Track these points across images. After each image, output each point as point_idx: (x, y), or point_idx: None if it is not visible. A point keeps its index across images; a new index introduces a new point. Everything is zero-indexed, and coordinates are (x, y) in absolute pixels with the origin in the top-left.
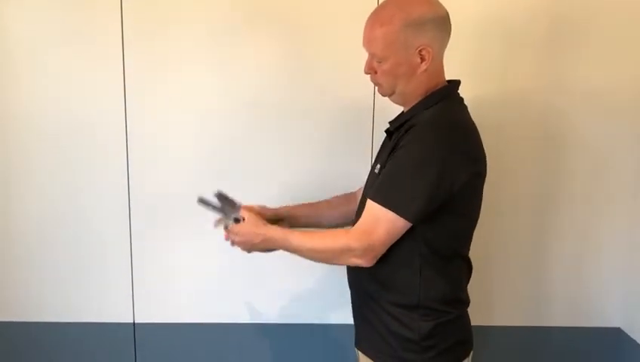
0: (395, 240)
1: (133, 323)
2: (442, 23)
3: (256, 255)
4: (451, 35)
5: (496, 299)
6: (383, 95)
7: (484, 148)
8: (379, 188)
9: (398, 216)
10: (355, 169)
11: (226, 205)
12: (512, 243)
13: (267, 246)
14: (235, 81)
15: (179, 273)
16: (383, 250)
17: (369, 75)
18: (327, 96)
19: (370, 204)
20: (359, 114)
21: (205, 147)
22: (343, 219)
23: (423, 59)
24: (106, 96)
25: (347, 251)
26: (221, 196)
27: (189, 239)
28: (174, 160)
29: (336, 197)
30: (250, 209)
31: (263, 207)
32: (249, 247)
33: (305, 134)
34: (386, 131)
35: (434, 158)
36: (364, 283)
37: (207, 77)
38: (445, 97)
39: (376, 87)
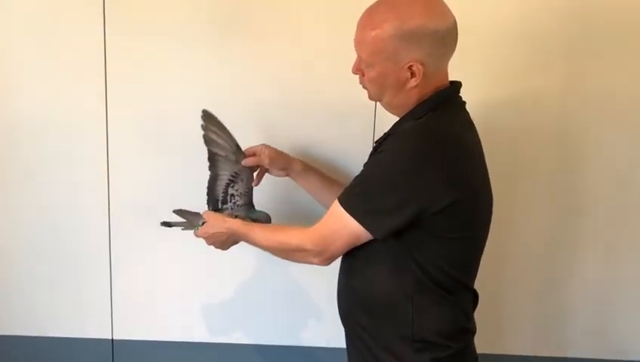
0: (353, 246)
1: (112, 339)
2: (444, 37)
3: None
4: (464, 35)
5: (506, 324)
6: (371, 100)
7: (486, 166)
8: (348, 192)
9: (362, 229)
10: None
11: (188, 217)
12: (525, 262)
13: (236, 240)
14: (222, 82)
15: (161, 287)
16: (337, 255)
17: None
18: (325, 95)
19: (336, 205)
20: (359, 116)
21: (190, 151)
22: None
23: (413, 75)
24: (87, 98)
25: (301, 250)
26: (181, 212)
27: (172, 251)
28: (157, 166)
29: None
30: (261, 152)
31: (278, 152)
32: (220, 245)
33: (302, 135)
34: (375, 142)
35: (408, 171)
36: (352, 309)
37: (194, 77)
38: (439, 106)
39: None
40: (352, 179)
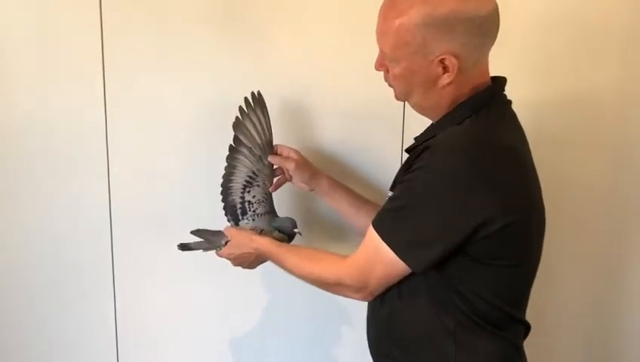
0: (396, 281)
1: None
2: (482, 24)
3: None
4: (508, 28)
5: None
6: (398, 100)
7: (539, 179)
8: (382, 217)
9: (398, 259)
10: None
11: (208, 237)
12: (575, 283)
13: (263, 260)
14: (230, 80)
15: (171, 319)
16: (380, 289)
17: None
18: (345, 95)
19: (371, 231)
20: (385, 117)
21: (197, 153)
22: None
23: (446, 71)
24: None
25: (339, 285)
26: (199, 232)
27: (184, 281)
28: (162, 170)
29: (378, 207)
30: (288, 154)
31: (306, 161)
32: (248, 266)
33: (317, 140)
34: (407, 150)
35: (453, 193)
36: (383, 340)
37: (199, 76)
38: (482, 107)
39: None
40: (387, 199)
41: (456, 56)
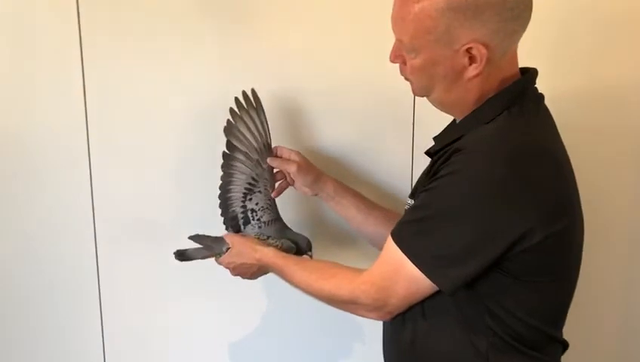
0: (419, 300)
1: None
2: (514, 8)
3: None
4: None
5: None
6: (415, 95)
7: (576, 183)
8: (404, 227)
9: (424, 277)
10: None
11: (207, 243)
12: (609, 295)
13: (266, 272)
14: (223, 77)
15: (163, 335)
16: (401, 309)
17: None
18: (351, 91)
19: (391, 244)
20: (395, 112)
21: (188, 157)
22: (378, 242)
23: (473, 61)
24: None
25: (354, 304)
26: (198, 237)
27: (177, 293)
28: (150, 177)
29: (388, 214)
30: (289, 156)
31: (309, 163)
32: (250, 276)
33: (322, 137)
34: (427, 153)
35: (487, 204)
36: None
37: (188, 76)
38: (513, 103)
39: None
40: (407, 209)
41: (484, 45)
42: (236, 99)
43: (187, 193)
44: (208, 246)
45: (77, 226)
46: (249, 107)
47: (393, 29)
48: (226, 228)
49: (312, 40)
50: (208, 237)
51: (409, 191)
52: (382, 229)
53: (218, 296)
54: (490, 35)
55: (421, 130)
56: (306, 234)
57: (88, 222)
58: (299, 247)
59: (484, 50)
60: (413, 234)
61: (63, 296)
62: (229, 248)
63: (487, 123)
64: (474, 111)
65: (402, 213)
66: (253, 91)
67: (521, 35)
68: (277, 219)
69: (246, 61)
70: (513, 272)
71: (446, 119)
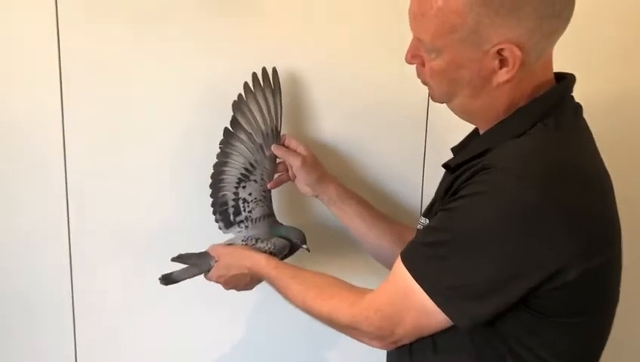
0: (430, 333)
1: None
2: (556, 3)
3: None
4: None
5: None
6: (435, 101)
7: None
8: (417, 250)
9: (438, 310)
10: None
11: (193, 261)
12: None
13: (259, 281)
14: (214, 75)
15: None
16: (407, 341)
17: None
18: (358, 88)
19: (400, 267)
20: (407, 115)
21: (176, 156)
22: (381, 256)
23: (503, 65)
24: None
25: (355, 330)
26: (181, 258)
27: (163, 312)
28: (133, 180)
29: (395, 226)
30: (296, 147)
31: (315, 160)
32: (244, 287)
33: (326, 137)
34: (445, 166)
35: (518, 232)
36: None
37: (176, 68)
38: (548, 115)
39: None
40: (421, 229)
41: (519, 46)
42: (254, 75)
43: (174, 200)
44: (194, 265)
45: (49, 234)
46: (265, 86)
47: (411, 26)
48: (214, 213)
49: (322, 30)
50: (192, 254)
51: (418, 200)
52: (386, 243)
53: (206, 313)
54: (527, 34)
55: (435, 135)
56: (299, 227)
57: (62, 232)
58: (292, 243)
59: (518, 52)
60: (427, 258)
61: (34, 313)
62: (216, 261)
63: (518, 137)
64: (502, 122)
65: (410, 225)
66: (274, 70)
67: (560, 35)
68: (269, 214)
69: (248, 51)
70: (541, 310)
71: (464, 125)
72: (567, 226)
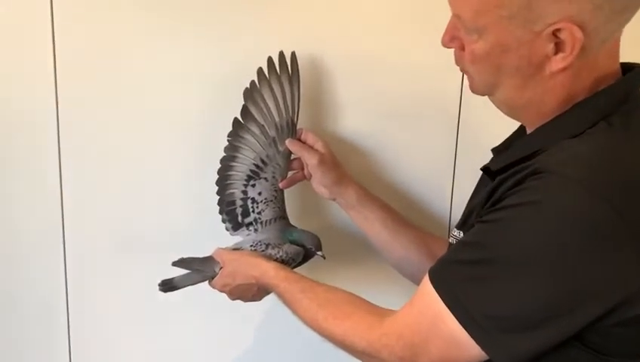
0: None
1: None
2: None
3: None
4: None
5: None
6: (474, 92)
7: None
8: (450, 269)
9: (472, 342)
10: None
11: (196, 267)
12: None
13: (268, 292)
14: (221, 66)
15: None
16: None
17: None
18: (382, 79)
19: (428, 288)
20: (438, 109)
21: (178, 156)
22: (405, 269)
23: (560, 49)
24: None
25: (371, 357)
26: (183, 262)
27: (163, 322)
28: (131, 182)
29: (422, 235)
30: (314, 143)
31: (334, 159)
32: (251, 298)
33: (346, 133)
34: (485, 170)
35: (575, 252)
36: None
37: (186, 54)
38: (613, 112)
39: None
40: (455, 244)
41: (581, 26)
42: (269, 59)
43: (176, 199)
44: (197, 271)
45: (42, 237)
46: (282, 72)
47: (450, 1)
48: (220, 213)
49: (346, 14)
50: (195, 259)
51: (447, 207)
52: (412, 254)
53: (208, 322)
54: (591, 11)
55: (468, 133)
56: (314, 232)
57: (56, 234)
58: (306, 250)
59: (579, 34)
60: (461, 280)
61: (27, 321)
62: (221, 268)
63: (575, 137)
64: (556, 118)
65: (439, 234)
66: (293, 55)
67: (630, 17)
68: (281, 217)
69: (264, 36)
70: (597, 348)
71: (502, 122)
72: (634, 241)
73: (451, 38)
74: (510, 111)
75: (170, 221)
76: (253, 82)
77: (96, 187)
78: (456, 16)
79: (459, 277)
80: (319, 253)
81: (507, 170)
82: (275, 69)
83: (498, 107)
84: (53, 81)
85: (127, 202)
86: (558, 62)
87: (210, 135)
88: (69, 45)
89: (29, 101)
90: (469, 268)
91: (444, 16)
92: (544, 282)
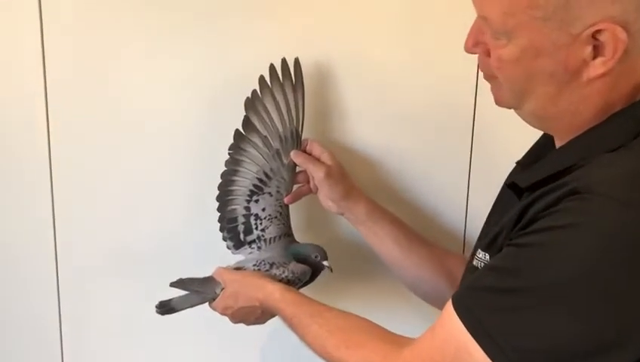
0: None
1: None
2: None
3: None
4: None
5: None
6: (500, 103)
7: None
8: (476, 296)
9: None
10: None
11: (194, 288)
12: None
13: (273, 315)
14: (230, 65)
15: None
16: None
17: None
18: (391, 86)
19: (452, 317)
20: (451, 118)
21: (176, 166)
22: (419, 288)
23: (599, 53)
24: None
25: None
26: (182, 283)
27: (160, 342)
28: (126, 195)
29: (436, 252)
30: (320, 155)
31: (342, 170)
32: (254, 321)
33: (354, 143)
34: (512, 186)
35: (619, 283)
36: None
37: (185, 56)
38: None
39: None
40: (482, 269)
41: (625, 27)
42: (271, 66)
43: (175, 214)
44: (197, 292)
45: (33, 251)
46: (285, 80)
47: (475, 2)
48: (221, 230)
49: (355, 17)
50: (194, 279)
51: (462, 218)
52: (426, 273)
53: (207, 344)
54: (636, 11)
55: (483, 144)
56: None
57: (49, 249)
58: (310, 262)
59: (622, 35)
60: (490, 309)
61: (18, 343)
62: (223, 289)
63: (613, 150)
64: (591, 130)
65: (454, 249)
66: (296, 61)
67: None
68: (286, 234)
69: (267, 42)
70: None
71: (519, 132)
72: None
73: (475, 43)
74: (541, 123)
75: (166, 238)
76: (254, 91)
77: (89, 203)
78: (482, 18)
79: (487, 306)
80: (325, 262)
81: (538, 188)
82: (278, 77)
83: (526, 119)
84: (43, 88)
85: (120, 218)
86: (597, 68)
87: (211, 147)
88: (59, 55)
89: (18, 112)
90: (499, 296)
91: (458, 20)
92: (583, 313)
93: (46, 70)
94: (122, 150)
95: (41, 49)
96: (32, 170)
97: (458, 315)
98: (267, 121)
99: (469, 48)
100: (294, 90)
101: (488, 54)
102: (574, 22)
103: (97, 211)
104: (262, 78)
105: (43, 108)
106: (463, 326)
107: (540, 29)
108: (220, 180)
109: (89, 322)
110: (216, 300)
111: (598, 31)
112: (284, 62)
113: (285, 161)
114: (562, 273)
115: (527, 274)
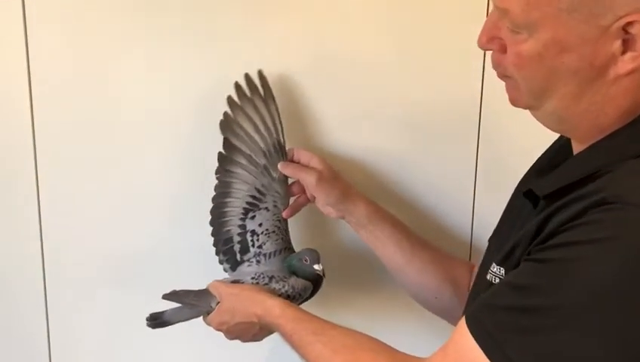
0: None
1: None
2: None
3: None
4: None
5: None
6: (515, 104)
7: None
8: (493, 315)
9: None
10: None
11: (188, 301)
12: None
13: (271, 332)
14: (218, 74)
15: None
16: None
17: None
18: (391, 88)
19: (466, 337)
20: (455, 120)
21: (167, 175)
22: (422, 296)
23: (628, 48)
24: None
25: None
26: (176, 295)
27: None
28: (117, 206)
29: (441, 257)
30: (309, 161)
31: (334, 173)
32: (251, 338)
33: (353, 147)
34: (528, 194)
35: None
36: None
37: (173, 59)
38: None
39: (504, 84)
40: (497, 283)
41: None
42: (236, 84)
43: (168, 223)
44: (191, 305)
45: (20, 263)
46: (254, 95)
47: None
48: (217, 254)
49: (344, 10)
50: (189, 292)
51: (468, 221)
52: (429, 279)
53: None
54: None
55: (489, 145)
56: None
57: (35, 263)
58: (304, 268)
59: None
60: (508, 330)
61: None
62: (218, 303)
63: (633, 159)
64: (617, 133)
65: (460, 255)
66: (260, 73)
67: None
68: (285, 248)
69: (254, 41)
70: None
71: (530, 127)
72: None
73: (490, 39)
74: (560, 124)
75: (158, 248)
76: (226, 113)
77: (76, 212)
78: (502, 11)
79: (505, 326)
80: (316, 266)
81: (557, 196)
82: (245, 93)
83: (544, 121)
84: (28, 93)
85: (110, 227)
86: (626, 64)
87: (206, 151)
88: (44, 59)
89: (2, 115)
90: (519, 315)
91: (460, 17)
92: (615, 336)
93: (30, 72)
94: (110, 160)
95: (25, 50)
96: (17, 176)
97: (472, 335)
98: (246, 139)
99: (484, 44)
100: (265, 103)
101: (504, 51)
102: (604, 13)
103: (86, 220)
104: (230, 98)
105: (28, 111)
106: (478, 346)
107: (565, 22)
108: (212, 205)
109: (77, 335)
110: (212, 314)
111: (630, 23)
112: (247, 77)
113: (275, 175)
114: (590, 291)
115: (551, 292)
